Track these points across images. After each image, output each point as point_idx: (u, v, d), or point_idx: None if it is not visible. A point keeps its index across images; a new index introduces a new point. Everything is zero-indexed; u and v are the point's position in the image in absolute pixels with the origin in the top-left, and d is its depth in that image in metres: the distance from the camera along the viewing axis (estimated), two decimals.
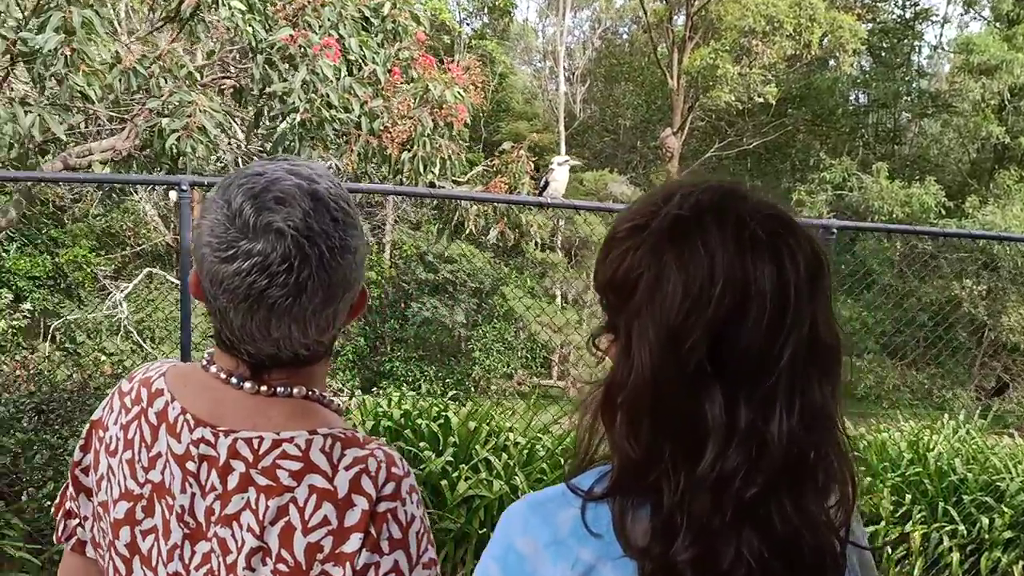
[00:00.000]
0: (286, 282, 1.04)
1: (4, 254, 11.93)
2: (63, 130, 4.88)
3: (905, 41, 23.43)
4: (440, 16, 18.80)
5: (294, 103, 5.22)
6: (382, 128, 5.83)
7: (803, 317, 0.91)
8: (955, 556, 5.28)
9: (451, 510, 5.07)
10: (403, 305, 17.00)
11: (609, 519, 0.94)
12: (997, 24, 20.26)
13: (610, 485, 0.95)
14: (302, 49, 5.19)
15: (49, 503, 4.65)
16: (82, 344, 11.26)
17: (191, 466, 1.11)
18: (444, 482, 5.20)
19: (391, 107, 5.87)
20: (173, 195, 4.31)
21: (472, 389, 16.07)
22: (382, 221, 16.80)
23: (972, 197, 17.89)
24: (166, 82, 5.12)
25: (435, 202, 6.92)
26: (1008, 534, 5.33)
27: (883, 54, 23.52)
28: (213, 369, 1.15)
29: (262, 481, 1.09)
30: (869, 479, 5.61)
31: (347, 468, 1.10)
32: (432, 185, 6.30)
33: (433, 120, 6.09)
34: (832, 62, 22.26)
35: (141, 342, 10.72)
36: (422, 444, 5.55)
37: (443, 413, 5.94)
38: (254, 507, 1.08)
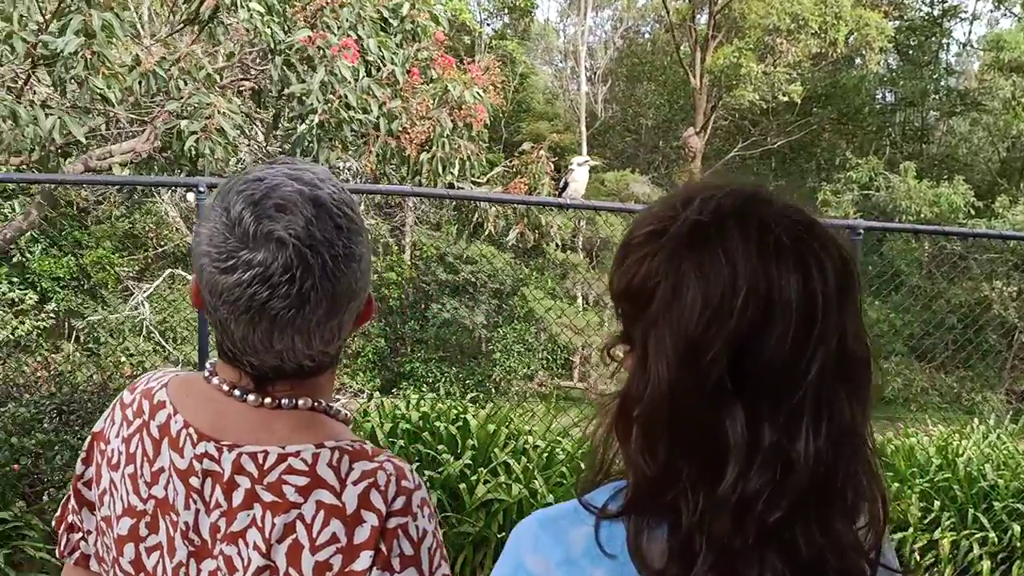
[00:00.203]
0: (288, 293, 1.00)
1: (29, 255, 12.07)
2: (83, 133, 4.90)
3: (933, 38, 23.08)
4: (460, 16, 18.80)
5: (312, 104, 5.21)
6: (401, 129, 5.81)
7: (831, 329, 0.85)
8: (986, 564, 5.15)
9: (469, 514, 5.03)
10: (423, 306, 17.00)
11: (624, 538, 0.89)
12: None
13: (625, 503, 0.91)
14: (320, 50, 5.18)
15: None
16: (105, 344, 11.36)
17: (195, 482, 1.08)
18: (462, 485, 5.16)
19: (410, 108, 5.84)
20: (191, 197, 4.31)
21: (492, 390, 16.04)
22: (401, 222, 16.82)
23: (1002, 196, 17.60)
24: (185, 84, 5.13)
25: (455, 203, 6.89)
26: None
27: (910, 52, 23.20)
28: (215, 381, 1.12)
29: (268, 497, 1.05)
30: (897, 485, 5.50)
31: (355, 483, 1.06)
32: (451, 186, 6.27)
33: (452, 121, 6.06)
34: (858, 60, 21.98)
35: (163, 342, 10.81)
36: (440, 447, 5.52)
37: (462, 416, 5.90)
38: (260, 524, 1.05)
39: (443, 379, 16.00)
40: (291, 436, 1.08)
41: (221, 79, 5.90)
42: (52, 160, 5.34)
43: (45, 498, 5.13)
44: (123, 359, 6.62)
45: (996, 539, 5.23)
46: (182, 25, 5.80)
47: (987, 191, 19.30)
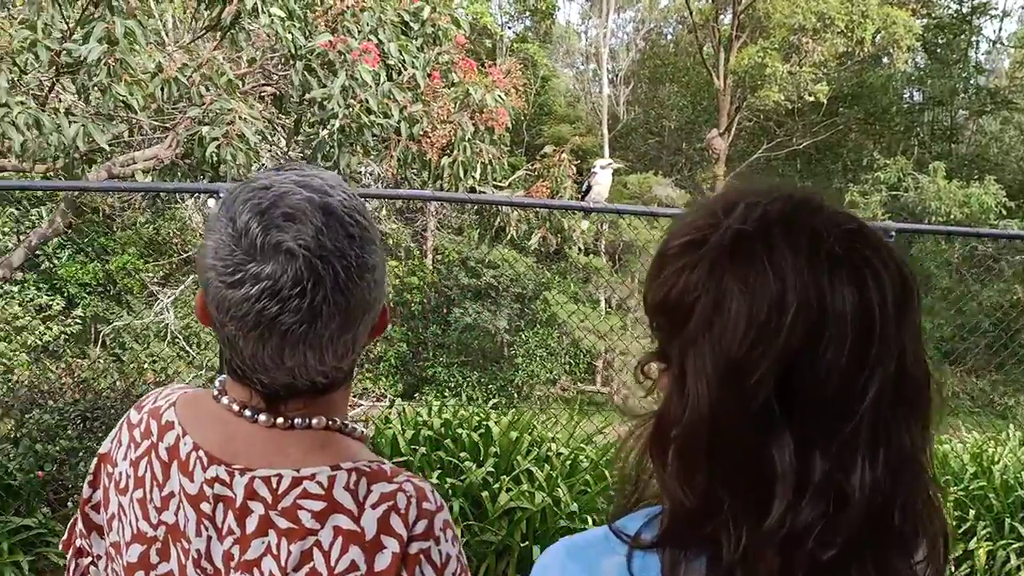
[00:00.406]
0: (299, 307, 0.96)
1: (56, 261, 12.22)
2: (106, 140, 4.91)
3: (962, 36, 22.75)
4: (481, 20, 18.79)
5: (333, 109, 5.19)
6: (422, 133, 5.78)
7: (889, 349, 0.78)
8: None
9: (492, 522, 4.98)
10: (445, 310, 16.99)
11: (658, 570, 0.83)
12: None
13: (661, 533, 0.85)
14: (341, 55, 5.16)
15: None
16: (130, 349, 11.46)
17: (206, 507, 1.04)
18: (485, 493, 5.13)
19: (431, 112, 5.81)
20: (212, 203, 4.31)
21: (515, 395, 15.99)
22: (423, 227, 16.83)
23: None
24: (207, 90, 5.12)
25: (476, 207, 6.84)
26: None
27: (939, 50, 22.88)
28: (225, 400, 1.07)
29: (283, 524, 1.01)
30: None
31: (374, 506, 1.02)
32: (472, 190, 6.23)
33: (474, 125, 6.02)
34: (885, 59, 21.71)
35: (187, 347, 10.87)
36: (462, 454, 5.48)
37: (484, 423, 5.86)
38: (275, 552, 1.00)
39: (465, 384, 15.97)
40: (305, 458, 1.04)
41: (243, 85, 5.90)
42: (76, 167, 5.36)
43: (70, 504, 5.14)
44: (146, 365, 6.64)
45: None
46: (204, 31, 5.80)
47: (1019, 191, 18.99)
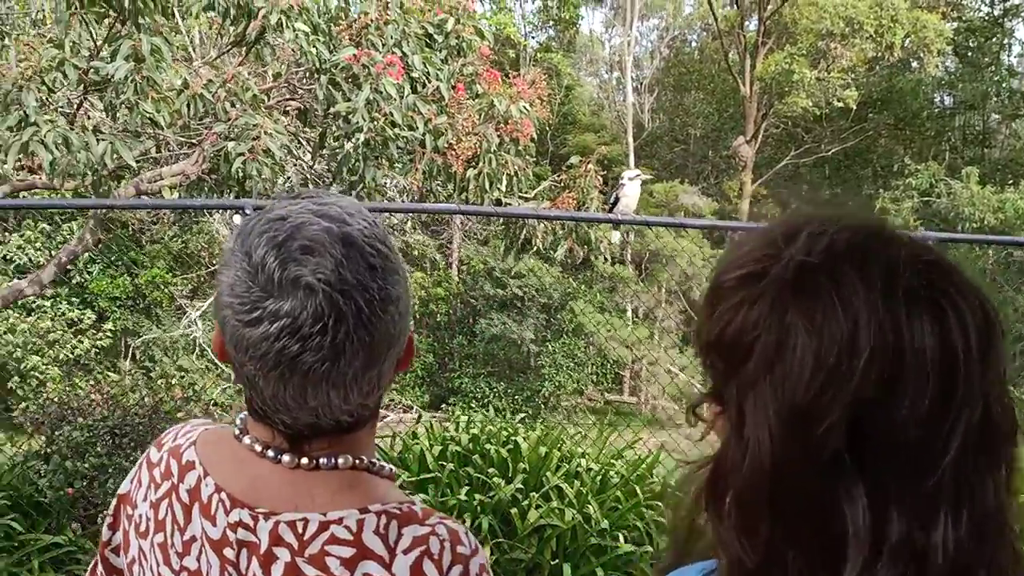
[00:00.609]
0: (321, 345, 0.91)
1: (87, 275, 12.36)
2: (133, 157, 4.93)
3: (994, 39, 22.41)
4: (505, 30, 18.82)
5: (358, 123, 5.17)
6: (447, 145, 5.75)
7: (974, 395, 0.70)
8: None
9: (522, 539, 4.91)
10: (471, 321, 16.98)
11: None
12: None
13: None
14: (365, 68, 5.15)
15: None
16: (159, 362, 11.55)
17: (229, 553, 0.99)
18: (514, 510, 5.07)
19: (456, 124, 5.78)
20: (238, 219, 4.29)
21: (542, 406, 15.92)
22: (448, 238, 16.84)
23: None
24: (232, 106, 5.13)
25: (502, 219, 6.80)
26: None
27: (970, 54, 22.55)
28: (247, 440, 1.02)
29: (310, 571, 0.96)
30: None
31: (406, 551, 0.97)
32: (498, 202, 6.19)
33: (499, 136, 5.97)
34: (915, 63, 21.42)
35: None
36: (491, 470, 5.43)
37: (512, 438, 5.80)
38: None
39: (492, 395, 15.93)
40: (332, 501, 0.99)
41: (268, 99, 5.91)
42: (104, 184, 5.39)
43: (99, 521, 5.15)
44: (174, 380, 6.66)
45: None
46: (229, 47, 5.83)
47: None
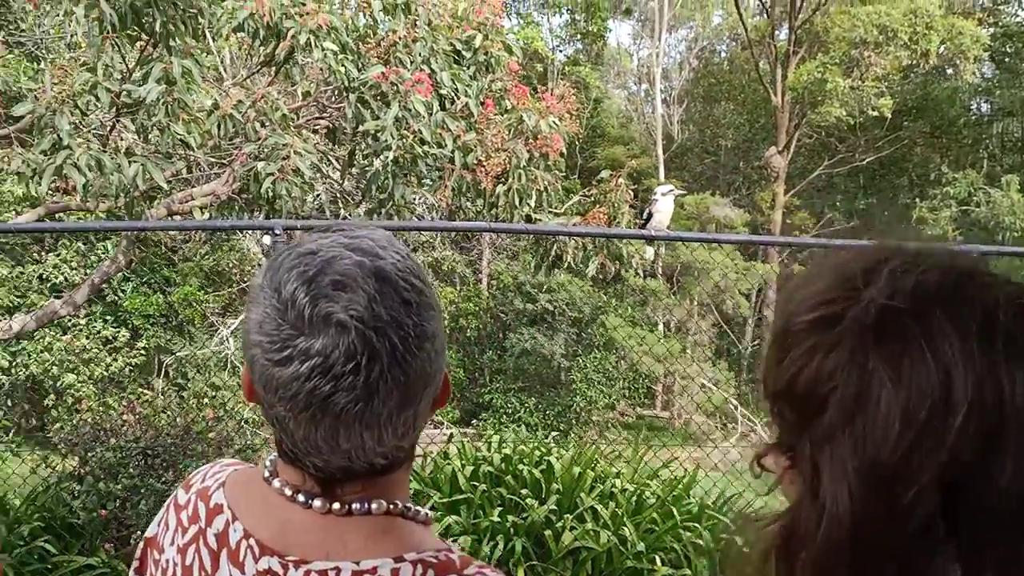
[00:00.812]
0: (353, 385, 0.87)
1: (121, 294, 12.52)
2: (164, 178, 4.96)
3: None
4: (532, 45, 18.83)
5: (387, 140, 5.16)
6: (476, 161, 5.72)
7: None
8: None
9: (556, 562, 4.83)
10: (501, 336, 16.92)
11: None
12: None
13: None
14: (394, 86, 5.14)
15: None
16: (192, 379, 11.64)
17: None
18: (548, 532, 5.00)
19: (485, 140, 5.75)
20: (267, 240, 4.29)
21: (573, 421, 15.80)
22: (478, 253, 16.83)
23: None
24: (262, 126, 5.15)
25: (532, 235, 6.75)
26: None
27: (1007, 60, 22.11)
28: (276, 483, 0.98)
29: None
30: None
31: None
32: (528, 218, 6.14)
33: (528, 151, 5.93)
34: (951, 70, 21.07)
35: None
36: (524, 491, 5.37)
37: (545, 457, 5.73)
38: None
39: (523, 410, 15.84)
40: (365, 548, 0.94)
41: (297, 118, 5.92)
42: (137, 205, 5.43)
43: (131, 543, 5.14)
44: (205, 400, 6.67)
45: None
46: (259, 67, 5.85)
47: None
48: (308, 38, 4.93)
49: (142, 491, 5.27)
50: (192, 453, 5.61)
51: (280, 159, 5.01)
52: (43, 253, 11.38)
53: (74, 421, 5.72)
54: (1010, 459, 0.62)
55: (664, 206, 4.65)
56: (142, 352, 11.90)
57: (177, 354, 12.10)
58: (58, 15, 5.11)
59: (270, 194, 5.06)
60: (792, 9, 20.26)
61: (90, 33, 4.71)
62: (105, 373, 11.19)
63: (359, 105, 5.35)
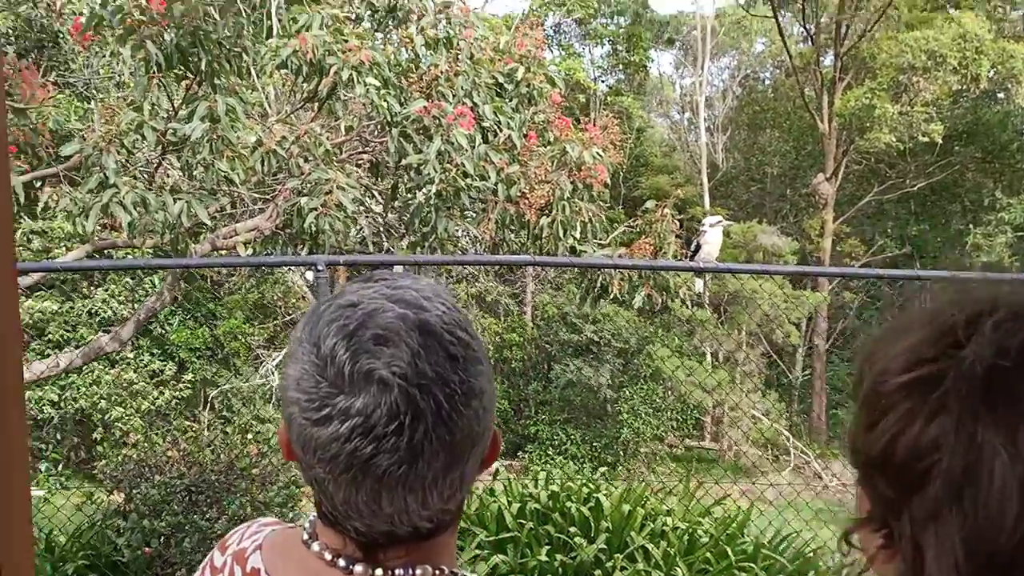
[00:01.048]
0: (396, 446, 0.83)
1: (168, 327, 12.70)
2: (208, 215, 5.00)
3: None
4: (574, 76, 18.89)
5: (429, 174, 5.15)
6: (519, 194, 5.69)
7: None
8: None
9: None
10: (546, 367, 16.79)
11: None
12: None
13: None
14: (436, 120, 5.14)
15: None
16: (238, 412, 11.72)
17: None
18: (597, 572, 4.88)
19: (528, 172, 5.71)
20: (310, 276, 4.28)
21: (621, 453, 15.57)
22: (522, 286, 16.78)
23: None
24: (305, 161, 5.18)
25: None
26: None
27: None
28: (316, 547, 0.93)
29: None
30: None
31: None
32: (573, 249, 6.08)
33: (572, 183, 5.88)
34: (1002, 95, 20.59)
35: None
36: (572, 529, 5.23)
37: (594, 495, 5.58)
38: None
39: (569, 442, 15.66)
40: None
41: (340, 153, 5.95)
42: (182, 241, 5.48)
43: None
44: (249, 436, 6.67)
45: None
46: (302, 103, 5.91)
47: None
48: (350, 74, 4.95)
49: (186, 528, 5.25)
50: (236, 489, 5.58)
51: (323, 194, 5.02)
52: (92, 288, 11.62)
53: (119, 457, 5.74)
54: None
55: (713, 237, 4.55)
56: (188, 385, 12.03)
57: (223, 387, 12.20)
58: (105, 56, 5.21)
59: (313, 229, 5.07)
60: (837, 36, 20.05)
61: (137, 73, 4.79)
62: (152, 406, 11.32)
63: (402, 139, 5.37)
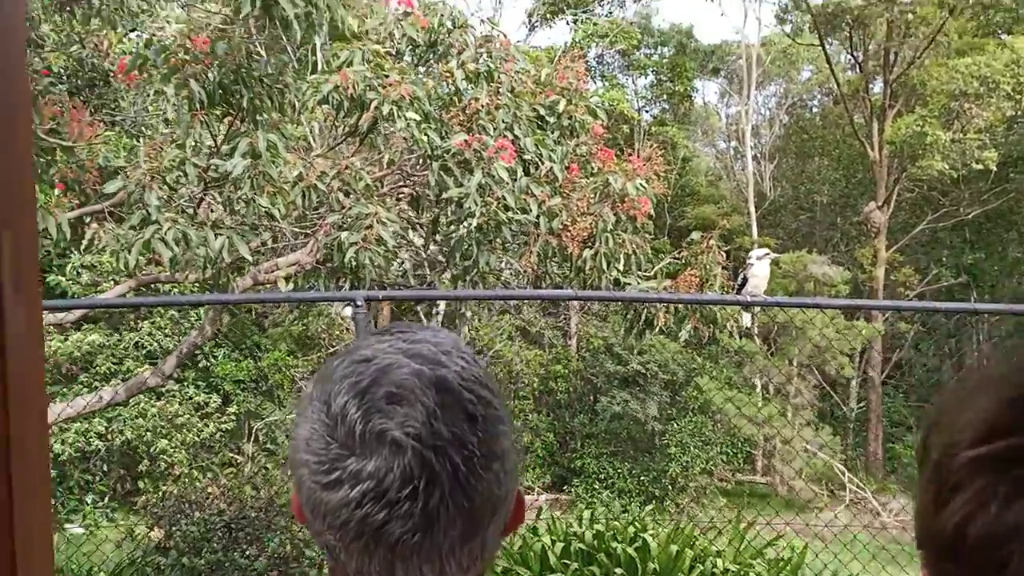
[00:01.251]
0: (410, 512, 0.78)
1: (213, 359, 12.85)
2: (249, 250, 5.01)
3: None
4: (618, 107, 18.84)
5: (470, 207, 5.10)
6: (561, 226, 5.62)
7: None
8: None
9: None
10: (592, 399, 16.58)
11: None
12: None
13: None
14: (477, 153, 5.10)
15: None
16: (282, 444, 11.73)
17: None
18: None
19: (570, 204, 5.64)
20: (348, 311, 4.25)
21: (669, 487, 15.24)
22: (566, 319, 16.66)
23: None
24: (346, 195, 5.18)
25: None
26: None
27: None
28: None
29: None
30: None
31: None
32: (616, 282, 5.96)
33: (615, 214, 5.79)
34: None
35: None
36: (618, 570, 5.06)
37: (640, 535, 5.41)
38: None
39: (616, 475, 15.39)
40: None
41: (381, 186, 5.95)
42: (223, 276, 5.50)
43: None
44: (290, 472, 6.63)
45: None
46: (344, 138, 5.93)
47: None
48: (391, 109, 4.95)
49: (226, 565, 5.22)
50: (276, 527, 5.54)
51: (363, 228, 5.00)
52: (138, 321, 11.81)
53: (160, 493, 5.75)
54: None
55: (760, 270, 4.41)
56: (232, 417, 12.12)
57: (267, 419, 12.26)
58: (149, 94, 5.29)
59: (354, 263, 5.05)
60: (886, 63, 19.74)
61: (180, 110, 4.84)
62: (196, 439, 11.41)
63: (442, 172, 5.35)
